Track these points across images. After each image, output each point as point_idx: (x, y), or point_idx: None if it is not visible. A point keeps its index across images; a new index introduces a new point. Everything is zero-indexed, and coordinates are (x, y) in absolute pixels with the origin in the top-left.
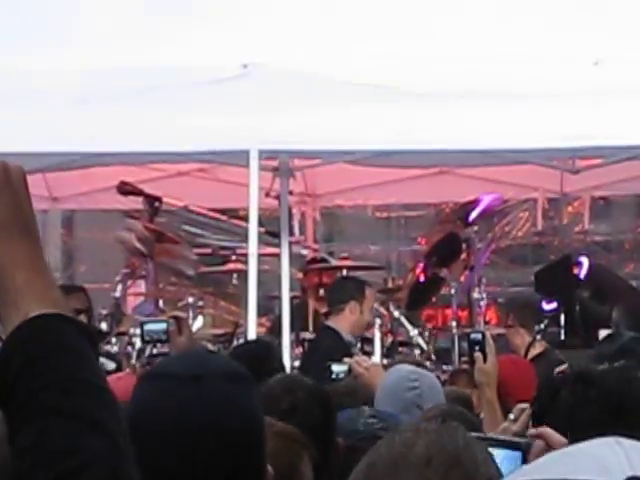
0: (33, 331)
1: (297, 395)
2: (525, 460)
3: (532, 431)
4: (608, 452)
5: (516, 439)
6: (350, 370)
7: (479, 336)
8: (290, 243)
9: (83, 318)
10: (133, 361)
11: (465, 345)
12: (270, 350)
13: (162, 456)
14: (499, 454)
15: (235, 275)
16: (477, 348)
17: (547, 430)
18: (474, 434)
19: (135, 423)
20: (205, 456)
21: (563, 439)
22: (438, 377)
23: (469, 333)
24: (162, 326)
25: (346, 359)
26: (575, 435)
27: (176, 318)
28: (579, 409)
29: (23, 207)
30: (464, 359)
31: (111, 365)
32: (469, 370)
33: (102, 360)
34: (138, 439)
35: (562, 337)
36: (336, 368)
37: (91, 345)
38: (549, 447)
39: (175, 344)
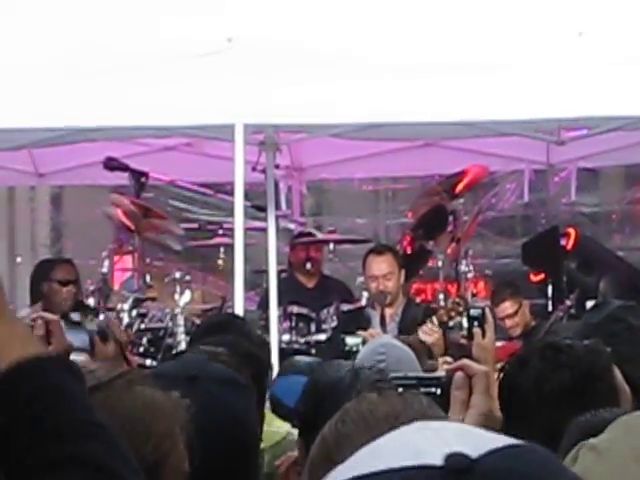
0: (22, 376)
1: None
2: (447, 395)
3: (449, 367)
4: (418, 436)
5: (436, 375)
6: (364, 342)
7: (479, 312)
8: (277, 217)
9: (72, 288)
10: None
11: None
12: (231, 323)
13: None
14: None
15: (222, 250)
16: (476, 324)
17: (466, 361)
18: (393, 374)
19: None
20: (196, 452)
21: (483, 367)
22: None
23: (469, 308)
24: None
25: (360, 332)
26: (545, 399)
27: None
28: (549, 374)
29: None
30: (462, 334)
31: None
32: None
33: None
34: None
35: (549, 309)
36: (350, 341)
37: (79, 381)
38: (469, 377)
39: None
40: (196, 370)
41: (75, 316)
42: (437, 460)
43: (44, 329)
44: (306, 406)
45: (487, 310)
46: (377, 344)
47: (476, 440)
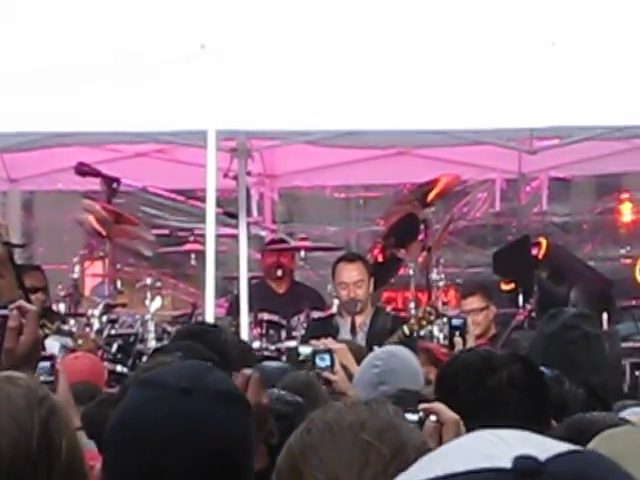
0: None
1: None
2: None
3: (423, 405)
4: (483, 442)
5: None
6: (314, 353)
7: (460, 321)
8: (248, 224)
9: (40, 296)
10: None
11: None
12: (206, 331)
13: (145, 460)
14: None
15: (193, 256)
16: (457, 333)
17: (438, 406)
18: None
19: (124, 425)
20: (184, 467)
21: (454, 416)
22: None
23: (450, 318)
24: None
25: (312, 341)
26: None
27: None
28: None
29: None
30: (442, 343)
31: (70, 343)
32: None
33: (63, 338)
34: (125, 440)
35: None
36: (303, 350)
37: None
38: (441, 423)
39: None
40: (191, 382)
41: None
42: (506, 463)
43: (18, 320)
44: None
45: (469, 320)
46: (380, 351)
47: (541, 445)
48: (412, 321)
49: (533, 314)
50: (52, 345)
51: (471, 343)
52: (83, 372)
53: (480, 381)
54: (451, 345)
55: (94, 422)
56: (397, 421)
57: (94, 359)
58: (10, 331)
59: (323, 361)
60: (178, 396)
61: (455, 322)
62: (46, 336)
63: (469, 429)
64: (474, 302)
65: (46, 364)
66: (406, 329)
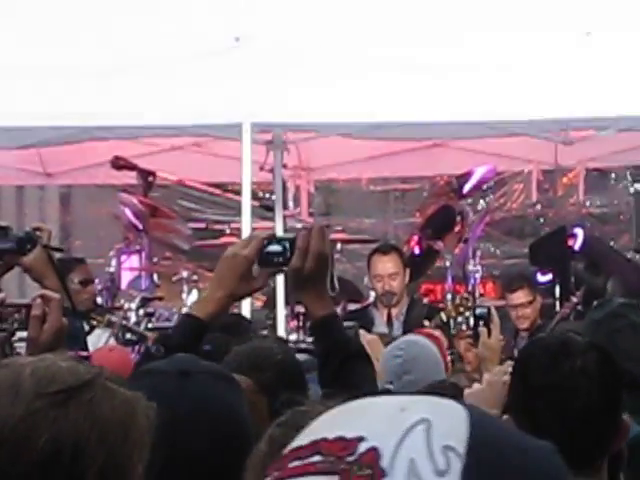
0: None
1: (265, 374)
2: None
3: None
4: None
5: None
6: None
7: (484, 311)
8: (285, 217)
9: (91, 289)
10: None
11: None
12: (238, 324)
13: (153, 447)
14: None
15: None
16: (482, 323)
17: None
18: None
19: None
20: (192, 445)
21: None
22: None
23: (474, 308)
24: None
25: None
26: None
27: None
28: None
29: None
30: (467, 333)
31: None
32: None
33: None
34: None
35: (557, 309)
36: None
37: None
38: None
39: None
40: (188, 365)
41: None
42: None
43: (42, 309)
44: None
45: (493, 309)
46: (400, 341)
47: None
48: (449, 308)
49: (579, 307)
50: (101, 336)
51: (496, 333)
52: (119, 364)
53: (554, 365)
54: (475, 335)
55: None
56: None
57: (125, 352)
58: (33, 320)
59: None
60: (178, 379)
61: (479, 311)
62: (92, 328)
63: (532, 409)
64: (521, 296)
65: None
66: (443, 316)
